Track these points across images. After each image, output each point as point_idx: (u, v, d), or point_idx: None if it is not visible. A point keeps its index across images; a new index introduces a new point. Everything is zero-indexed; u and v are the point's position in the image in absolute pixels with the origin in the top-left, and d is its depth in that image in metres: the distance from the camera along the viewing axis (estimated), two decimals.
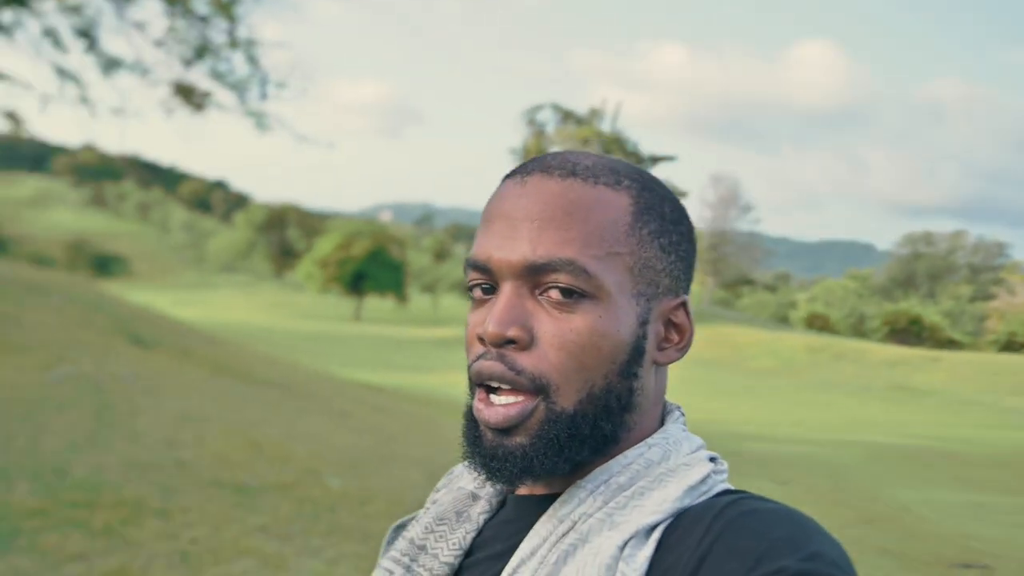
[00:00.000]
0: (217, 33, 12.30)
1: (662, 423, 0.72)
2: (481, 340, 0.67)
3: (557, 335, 0.64)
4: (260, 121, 12.77)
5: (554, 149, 39.06)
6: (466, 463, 0.70)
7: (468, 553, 0.73)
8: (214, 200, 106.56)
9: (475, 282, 0.69)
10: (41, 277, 12.19)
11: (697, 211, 45.73)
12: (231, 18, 12.24)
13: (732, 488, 0.67)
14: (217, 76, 12.45)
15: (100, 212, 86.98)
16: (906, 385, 22.99)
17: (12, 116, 14.69)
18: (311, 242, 54.45)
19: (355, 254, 45.24)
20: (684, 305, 0.71)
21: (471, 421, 0.69)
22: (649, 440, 0.69)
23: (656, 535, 0.61)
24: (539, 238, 0.65)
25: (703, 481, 0.65)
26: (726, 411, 17.07)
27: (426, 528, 0.75)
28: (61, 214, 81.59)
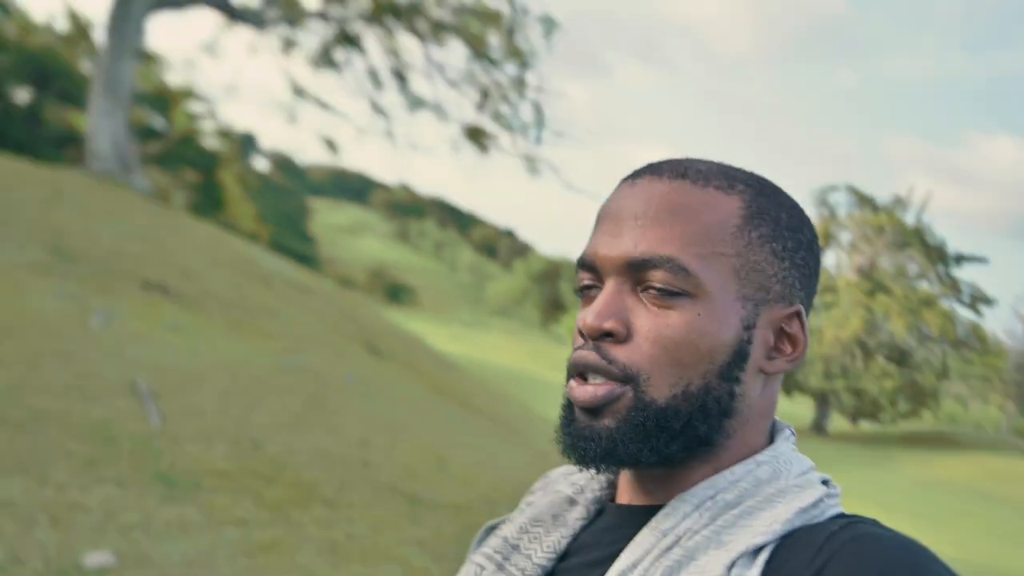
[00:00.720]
0: (505, 78, 13.15)
1: (771, 440, 0.71)
2: (581, 334, 0.68)
3: (653, 329, 0.65)
4: (531, 165, 13.39)
5: (844, 234, 37.11)
6: (557, 446, 0.70)
7: (562, 558, 0.73)
8: (500, 247, 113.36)
9: (584, 281, 0.71)
10: (314, 283, 13.60)
11: (1006, 324, 40.13)
12: (523, 62, 13.03)
13: (845, 512, 0.65)
14: (498, 118, 13.27)
15: (402, 245, 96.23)
16: None
17: (330, 143, 16.75)
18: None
19: None
20: (799, 315, 0.69)
21: (567, 406, 0.69)
22: (758, 457, 0.68)
23: (764, 556, 0.60)
24: (642, 236, 0.66)
25: (815, 504, 0.64)
26: (1008, 557, 14.58)
27: (520, 528, 0.75)
28: (370, 243, 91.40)
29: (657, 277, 0.65)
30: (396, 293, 67.84)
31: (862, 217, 36.02)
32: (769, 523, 0.62)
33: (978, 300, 34.11)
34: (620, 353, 0.66)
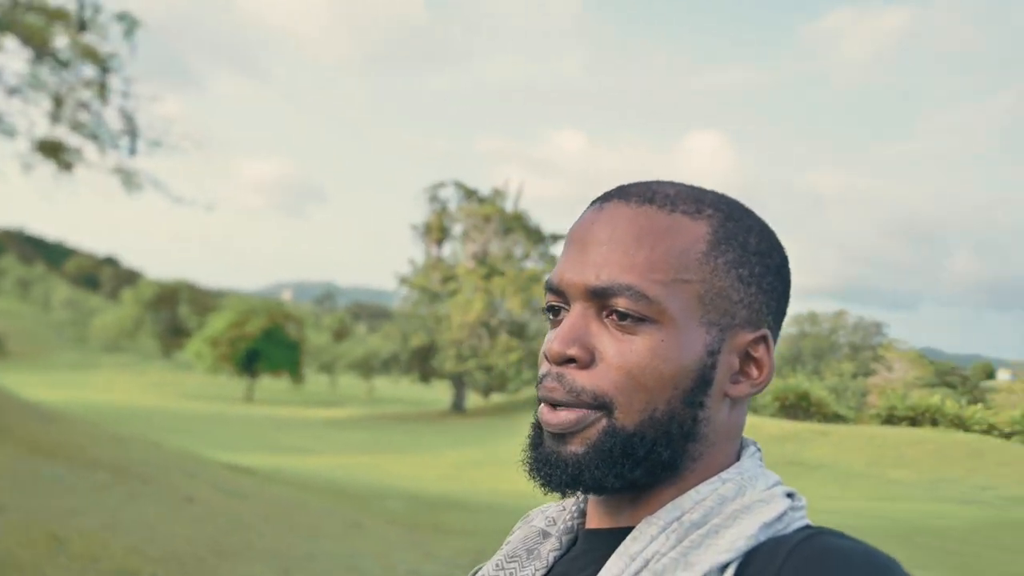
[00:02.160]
0: (82, 82, 11.52)
1: (738, 458, 0.71)
2: (547, 357, 0.68)
3: (617, 355, 0.66)
4: (128, 179, 11.95)
5: (457, 226, 39.63)
6: (523, 467, 0.70)
7: None
8: (103, 277, 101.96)
9: (551, 303, 0.71)
10: None
11: None
12: (103, 65, 11.50)
13: (811, 524, 0.66)
14: (78, 128, 11.60)
15: None
16: (797, 459, 23.22)
17: None
18: (203, 320, 52.38)
19: (249, 332, 43.69)
20: (766, 340, 0.70)
21: (536, 428, 0.70)
22: (723, 475, 0.68)
23: (729, 573, 0.61)
24: (605, 262, 0.66)
25: (779, 518, 0.65)
26: None
27: (496, 566, 0.76)
28: None
29: (620, 304, 0.66)
30: None
31: (470, 209, 38.76)
32: (733, 540, 0.62)
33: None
34: (585, 380, 0.66)
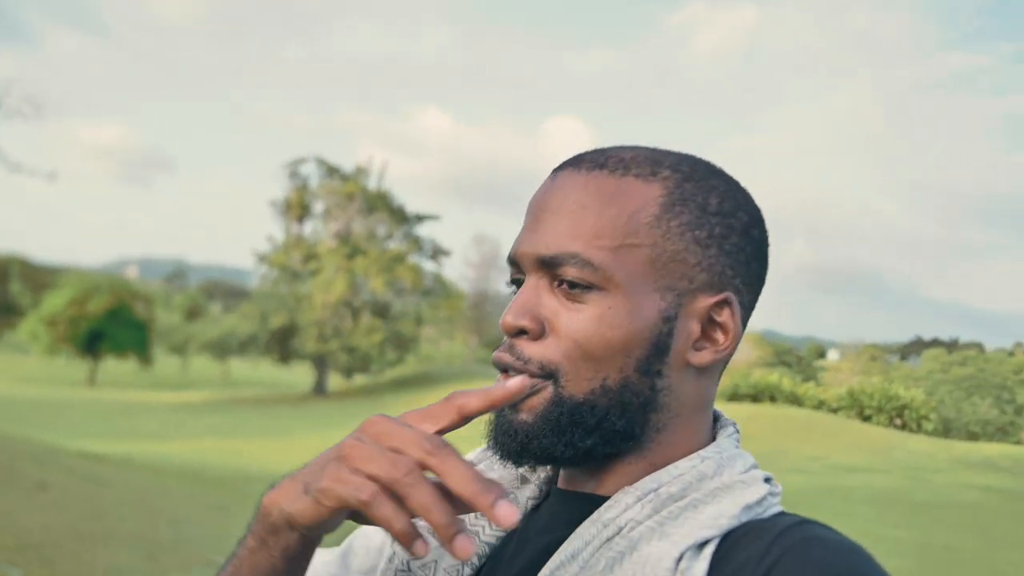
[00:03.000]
0: None
1: (714, 437, 0.70)
2: (502, 329, 0.68)
3: (566, 325, 0.65)
4: None
5: (319, 204, 38.64)
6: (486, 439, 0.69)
7: (508, 538, 0.72)
8: None
9: (512, 277, 0.71)
10: None
11: (460, 271, 46.63)
12: None
13: (787, 512, 0.65)
14: None
15: None
16: None
17: None
18: (38, 298, 48.67)
19: (91, 311, 41.00)
20: (729, 303, 0.66)
21: None
22: (702, 453, 0.67)
23: (710, 549, 0.60)
24: (553, 232, 0.66)
25: (760, 502, 0.64)
26: None
27: None
28: None
29: (568, 273, 0.65)
30: None
31: (332, 186, 37.94)
32: (716, 517, 0.61)
33: (438, 253, 38.79)
34: (534, 351, 0.65)
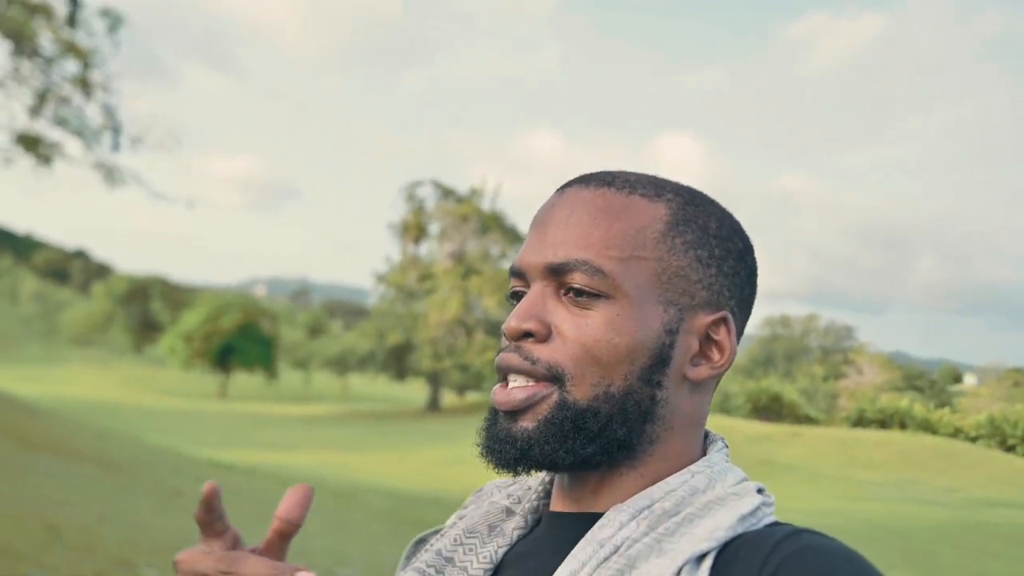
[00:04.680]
0: (65, 78, 11.47)
1: (704, 453, 0.71)
2: (505, 334, 0.68)
3: (573, 329, 0.66)
4: (111, 174, 11.92)
5: (434, 225, 39.57)
6: (477, 451, 0.69)
7: (498, 569, 0.71)
8: (73, 270, 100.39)
9: (514, 288, 0.71)
10: None
11: None
12: (84, 61, 11.47)
13: (780, 521, 0.66)
14: (61, 122, 11.55)
15: None
16: (770, 460, 23.58)
17: None
18: (176, 315, 51.85)
19: (223, 328, 43.34)
20: (726, 322, 0.69)
21: (491, 411, 0.69)
22: (692, 468, 0.68)
23: (708, 563, 0.60)
24: (562, 241, 0.67)
25: (754, 512, 0.64)
26: None
27: (455, 540, 0.74)
28: None
29: (576, 279, 0.66)
30: None
31: (447, 208, 38.77)
32: (712, 530, 0.61)
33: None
34: (541, 352, 0.66)
